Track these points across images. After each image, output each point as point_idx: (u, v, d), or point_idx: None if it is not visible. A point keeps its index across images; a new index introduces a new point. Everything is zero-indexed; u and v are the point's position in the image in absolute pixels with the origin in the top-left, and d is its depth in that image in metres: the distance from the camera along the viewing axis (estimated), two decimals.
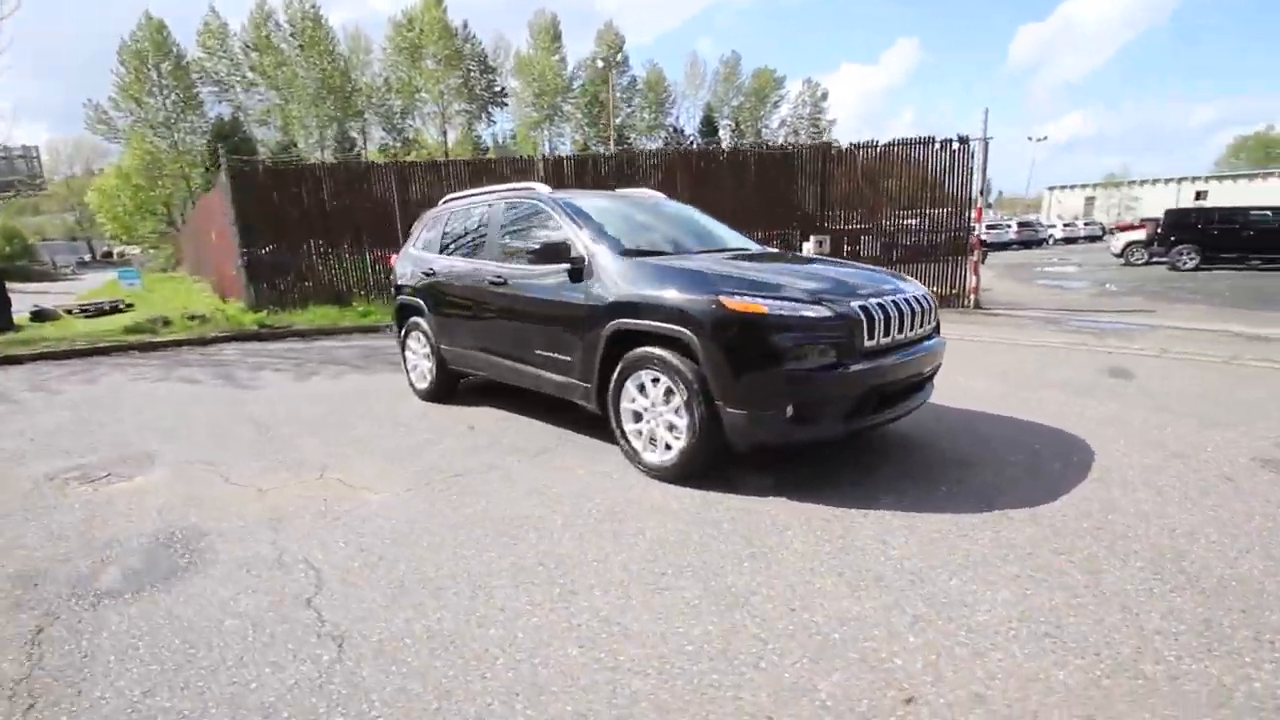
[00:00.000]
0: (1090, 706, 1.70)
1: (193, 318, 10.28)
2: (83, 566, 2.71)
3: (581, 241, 3.73)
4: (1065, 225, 42.96)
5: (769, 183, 11.74)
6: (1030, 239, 35.85)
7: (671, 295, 3.20)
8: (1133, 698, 1.72)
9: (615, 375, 3.48)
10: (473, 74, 53.09)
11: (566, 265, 3.72)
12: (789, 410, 2.93)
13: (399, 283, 5.52)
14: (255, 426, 4.77)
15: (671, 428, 3.28)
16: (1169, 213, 18.74)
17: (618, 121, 61.44)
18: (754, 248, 4.45)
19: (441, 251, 5.03)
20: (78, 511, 3.29)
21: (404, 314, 5.49)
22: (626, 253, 3.66)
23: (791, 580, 2.36)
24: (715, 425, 3.08)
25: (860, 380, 2.98)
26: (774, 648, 1.97)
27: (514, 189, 4.60)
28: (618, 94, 60.70)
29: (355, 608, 2.30)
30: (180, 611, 2.33)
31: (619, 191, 4.87)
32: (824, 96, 69.86)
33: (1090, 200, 62.60)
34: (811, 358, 2.92)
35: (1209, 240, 17.28)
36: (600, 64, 35.18)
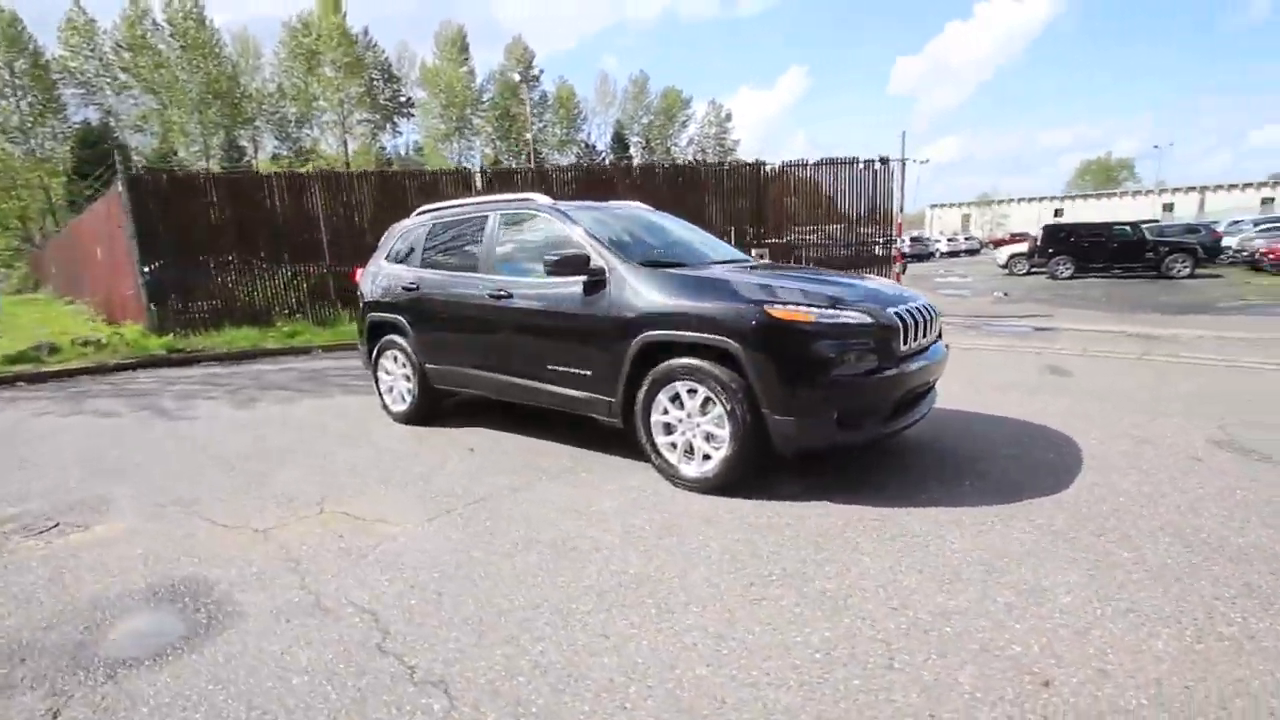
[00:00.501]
0: (1199, 669, 1.85)
1: (86, 343, 9.13)
2: (74, 633, 2.32)
3: (599, 253, 3.66)
4: (949, 240, 46.98)
5: (709, 197, 12.06)
6: (921, 253, 38.89)
7: (712, 306, 3.20)
8: (1228, 657, 1.90)
9: (644, 388, 3.43)
10: (376, 83, 51.01)
11: (583, 278, 3.64)
12: (835, 415, 3.01)
13: (369, 299, 5.18)
14: (217, 460, 4.29)
15: (710, 438, 3.27)
16: (1046, 228, 20.95)
17: (528, 136, 61.07)
18: (750, 259, 4.55)
19: (424, 265, 4.77)
20: (37, 570, 2.82)
21: (376, 332, 5.14)
22: (646, 264, 3.64)
23: (878, 580, 2.41)
24: (759, 433, 3.11)
25: (899, 384, 3.12)
26: (898, 647, 2.01)
27: (509, 200, 4.44)
28: (528, 109, 60.38)
29: (440, 649, 2.11)
30: (228, 675, 2.04)
31: (609, 204, 4.83)
32: (728, 118, 72.76)
33: (966, 217, 68.75)
34: (856, 363, 3.02)
35: (1080, 252, 19.47)
36: (516, 77, 34.60)
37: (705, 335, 3.17)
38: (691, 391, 3.28)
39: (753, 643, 2.06)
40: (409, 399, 4.93)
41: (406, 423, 4.97)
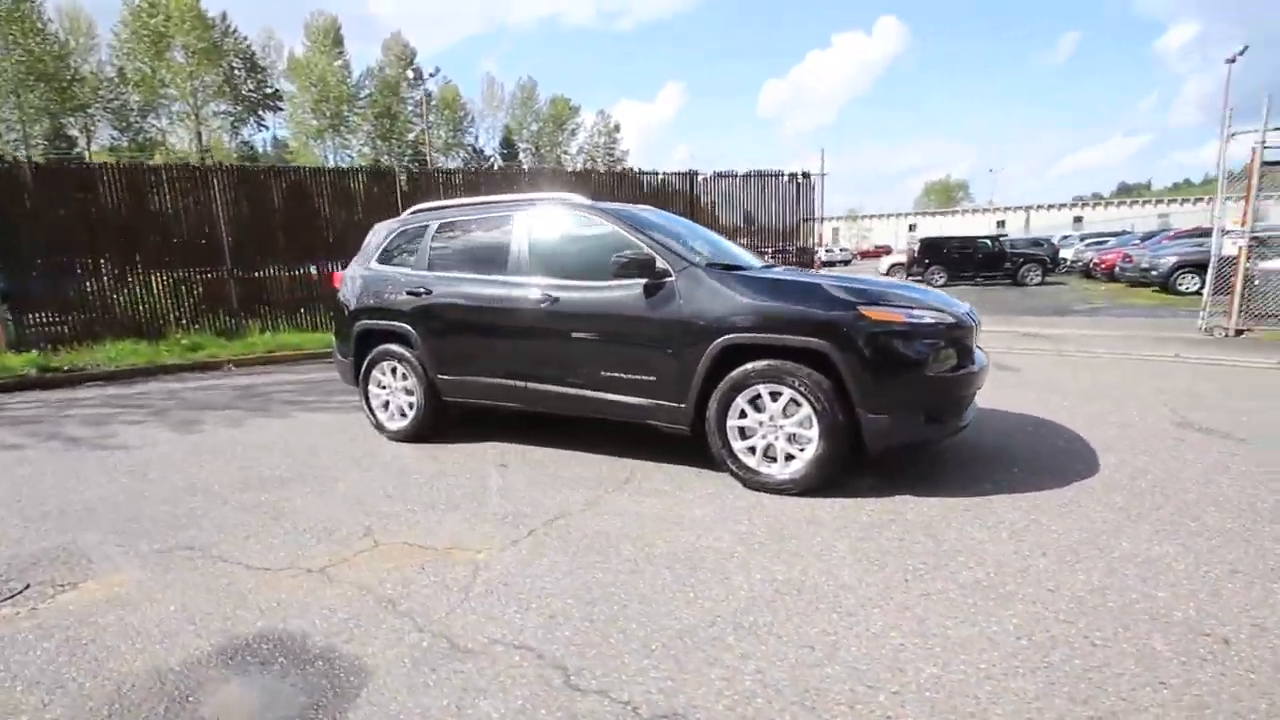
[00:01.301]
0: None
1: None
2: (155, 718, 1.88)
3: (661, 255, 3.55)
4: (826, 251, 50.77)
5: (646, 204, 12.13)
6: (806, 263, 41.70)
7: (802, 308, 3.21)
8: None
9: (720, 392, 3.37)
10: (237, 72, 46.27)
11: (645, 280, 3.52)
12: (924, 413, 3.14)
13: (356, 306, 4.66)
14: (204, 494, 3.66)
15: (794, 439, 3.28)
16: (923, 241, 23.24)
17: (410, 137, 58.31)
18: (770, 262, 4.63)
19: (432, 268, 4.37)
20: (40, 644, 2.25)
21: (366, 342, 4.63)
22: (711, 266, 3.59)
23: (1015, 565, 2.53)
24: (848, 433, 3.16)
25: (974, 381, 3.31)
26: (1085, 625, 2.11)
27: (538, 199, 4.18)
28: (410, 109, 57.65)
29: (643, 680, 1.93)
30: None
31: (635, 206, 4.67)
32: (617, 129, 73.85)
33: (835, 230, 74.56)
34: (943, 361, 3.16)
35: (952, 262, 21.79)
36: (411, 75, 32.39)
37: (797, 337, 3.18)
38: (774, 394, 3.27)
39: (957, 637, 2.08)
40: (411, 414, 4.49)
41: (406, 441, 4.53)
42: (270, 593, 2.55)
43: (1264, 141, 9.27)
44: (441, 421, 4.53)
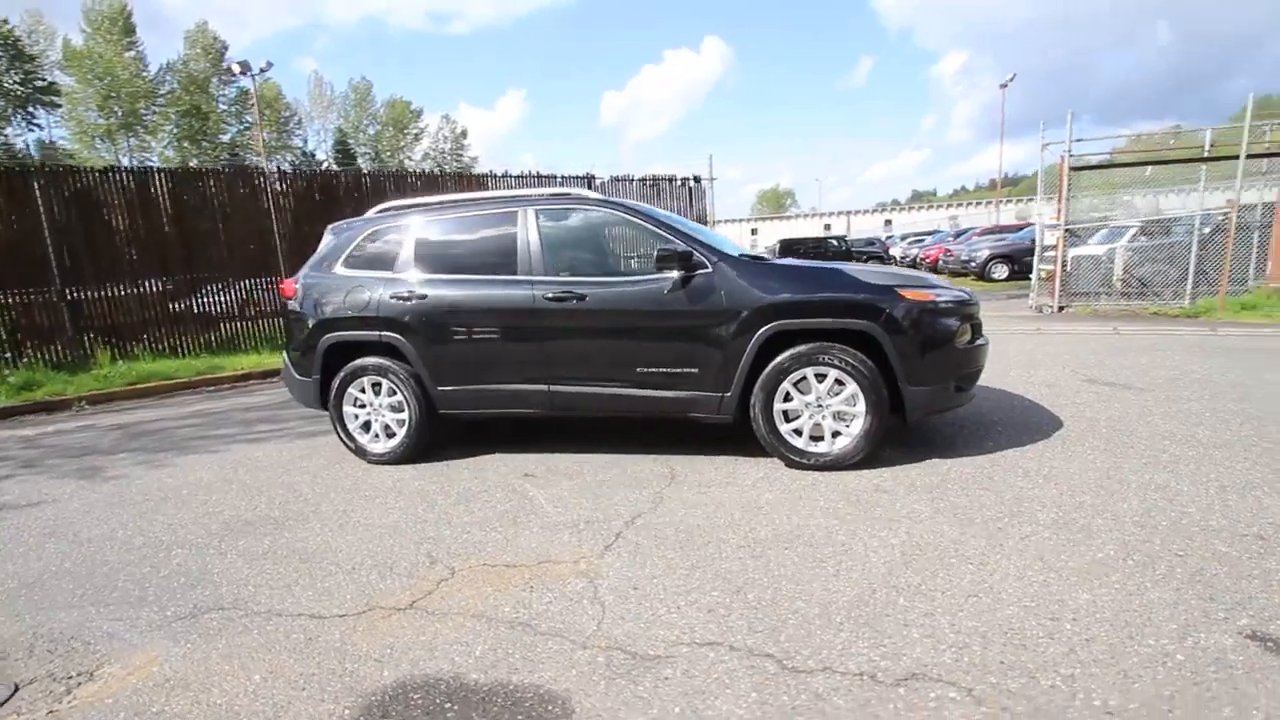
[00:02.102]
0: None
1: None
2: None
3: (695, 248, 3.57)
4: None
5: None
6: None
7: (847, 294, 3.40)
8: None
9: (765, 378, 3.47)
10: None
11: (679, 274, 3.52)
12: (954, 382, 3.47)
13: (322, 317, 4.11)
14: (178, 547, 3.05)
15: (840, 416, 3.46)
16: (782, 241, 25.23)
17: (225, 138, 52.03)
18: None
19: (420, 271, 3.98)
20: None
21: (339, 357, 4.10)
22: (741, 258, 3.66)
23: (1069, 504, 2.89)
24: (888, 405, 3.40)
25: (986, 353, 3.70)
26: (1165, 540, 2.49)
27: (545, 194, 3.97)
28: (223, 107, 51.44)
29: (854, 650, 1.95)
30: None
31: (639, 203, 4.58)
32: (464, 134, 71.45)
33: None
34: (967, 335, 3.51)
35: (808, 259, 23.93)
36: (236, 69, 28.30)
37: (845, 320, 3.36)
38: (820, 376, 3.44)
39: (1079, 567, 2.35)
40: (401, 434, 4.06)
41: (394, 463, 4.08)
42: (371, 640, 2.21)
43: (1070, 150, 11.29)
44: (432, 438, 4.15)
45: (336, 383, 4.11)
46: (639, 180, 12.74)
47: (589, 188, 12.32)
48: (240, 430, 5.43)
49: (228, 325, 9.42)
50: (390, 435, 4.12)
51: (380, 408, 4.10)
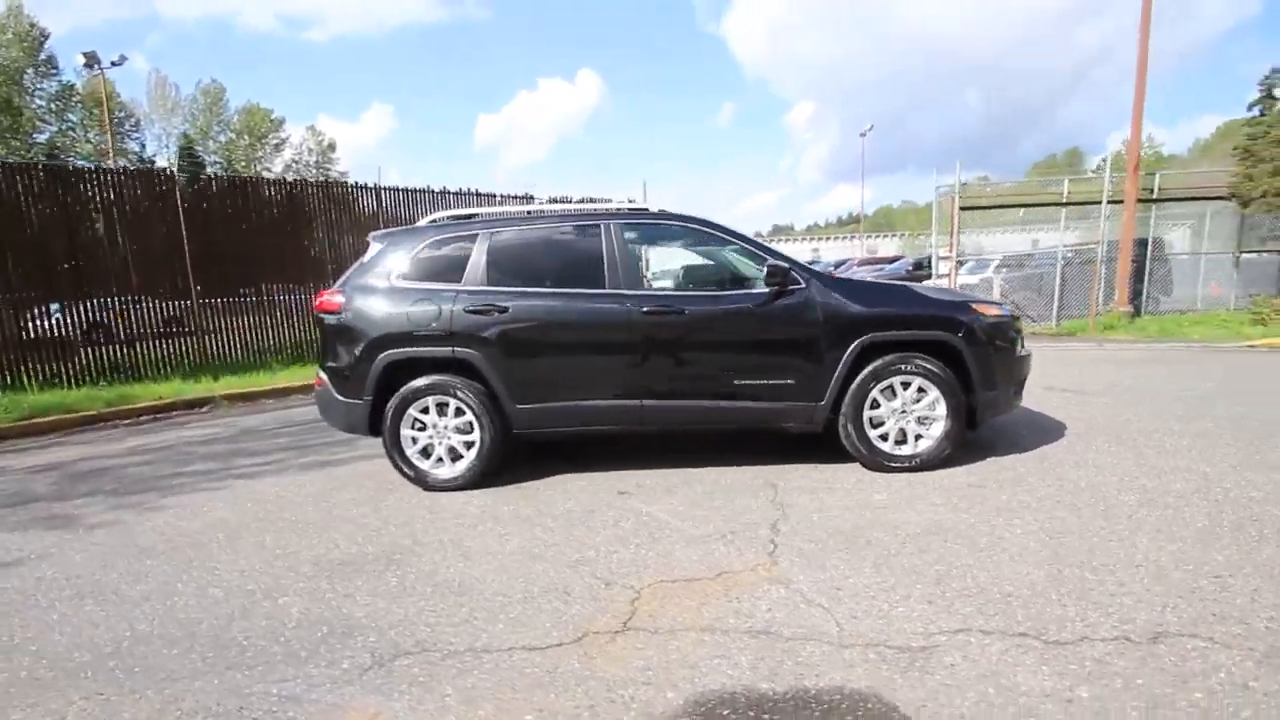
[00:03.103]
0: None
1: None
2: None
3: (791, 265, 3.73)
4: None
5: None
6: None
7: (933, 310, 3.73)
8: None
9: (855, 387, 3.68)
10: None
11: (775, 289, 3.66)
12: (1015, 387, 3.89)
13: (381, 333, 3.75)
14: (273, 597, 2.65)
15: (922, 421, 3.75)
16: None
17: (43, 138, 45.00)
18: None
19: (495, 284, 3.77)
20: None
21: (399, 377, 3.75)
22: (827, 275, 3.87)
23: (1109, 488, 3.35)
24: (965, 410, 3.74)
25: (1031, 361, 4.17)
26: (1200, 508, 2.98)
27: (627, 210, 3.94)
28: (39, 104, 44.56)
29: (1177, 606, 2.16)
30: None
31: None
32: (332, 147, 67.06)
33: None
34: (1022, 345, 3.96)
35: None
36: (80, 59, 23.67)
37: (931, 332, 3.67)
38: (905, 384, 3.71)
39: (1158, 534, 2.75)
40: (471, 456, 3.78)
41: (460, 489, 3.79)
42: (615, 665, 2.08)
43: (958, 191, 12.94)
44: (502, 460, 3.91)
45: (394, 404, 3.76)
46: (576, 203, 12.77)
47: (527, 204, 12.17)
48: (218, 465, 4.73)
49: (131, 349, 8.12)
50: (455, 459, 3.83)
51: (445, 430, 3.80)
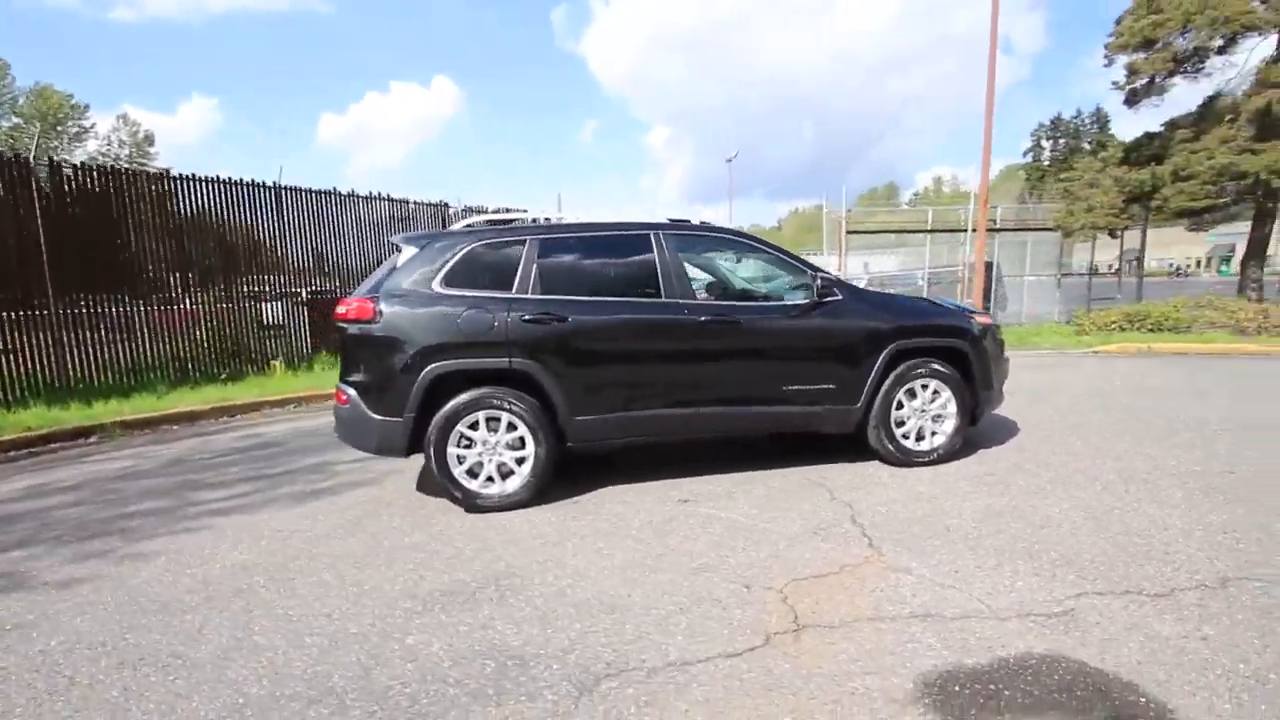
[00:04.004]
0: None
1: None
2: None
3: (830, 278, 3.99)
4: None
5: (393, 234, 10.81)
6: None
7: (945, 319, 4.15)
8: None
9: (885, 389, 4.02)
10: None
11: (818, 300, 3.90)
12: (1000, 385, 4.45)
13: (427, 343, 3.44)
14: (431, 613, 2.37)
15: (937, 418, 4.17)
16: None
17: None
18: None
19: (548, 292, 3.62)
20: None
21: (445, 391, 3.46)
22: (855, 287, 4.18)
23: (1106, 467, 4.00)
24: (970, 407, 4.23)
25: None
26: (1192, 484, 3.67)
27: (672, 221, 3.95)
28: None
29: None
30: None
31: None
32: (149, 140, 58.78)
33: None
34: (1003, 348, 4.53)
35: None
36: None
37: (943, 339, 4.10)
38: (924, 386, 4.11)
39: (1160, 502, 3.36)
40: (525, 473, 3.59)
41: (511, 508, 3.58)
42: (828, 660, 2.14)
43: (845, 215, 14.33)
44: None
45: (440, 420, 3.47)
46: (492, 212, 12.37)
47: (444, 219, 11.58)
48: (172, 503, 4.01)
49: None
50: (504, 477, 3.61)
51: (496, 446, 3.57)
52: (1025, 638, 2.22)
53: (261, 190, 9.18)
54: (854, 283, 4.50)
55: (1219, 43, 11.56)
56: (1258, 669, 2.01)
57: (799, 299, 3.96)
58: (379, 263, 10.79)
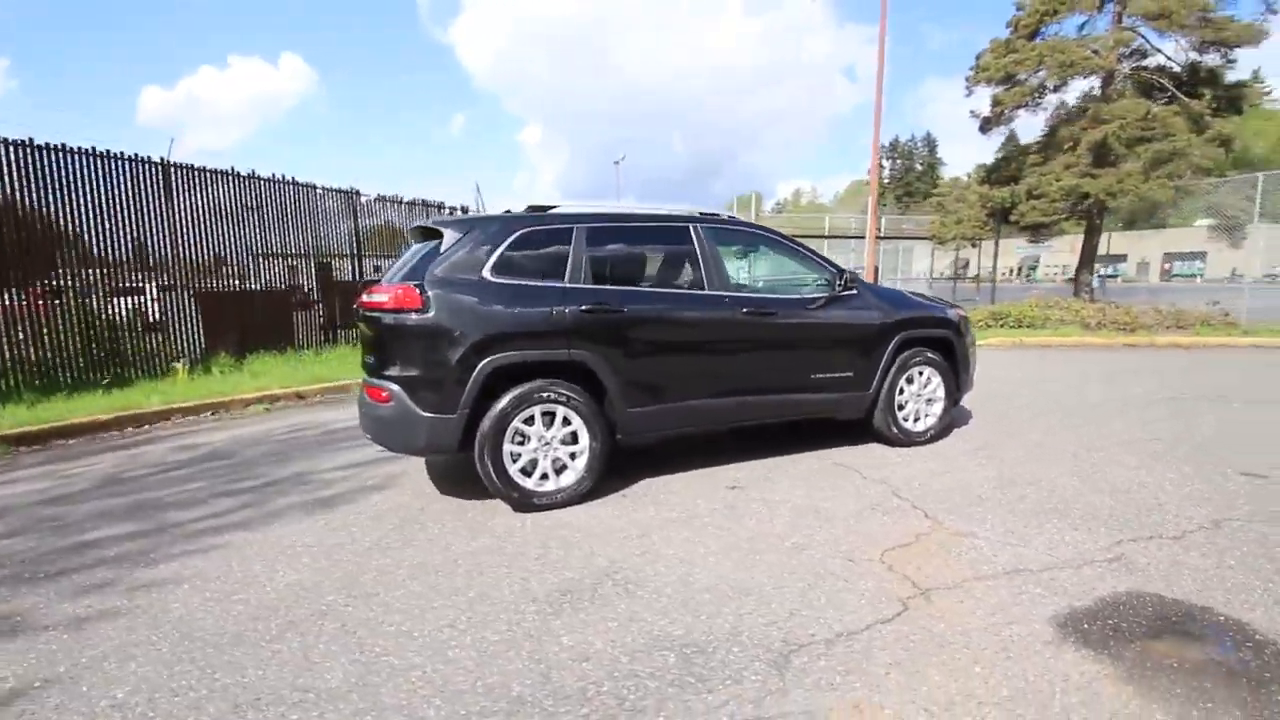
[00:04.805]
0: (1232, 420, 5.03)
1: None
2: None
3: (850, 272, 4.27)
4: None
5: (299, 224, 9.82)
6: None
7: (936, 311, 4.57)
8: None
9: (891, 375, 4.38)
10: None
11: (838, 293, 4.17)
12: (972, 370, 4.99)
13: (484, 334, 3.23)
14: (574, 605, 2.24)
15: (930, 402, 4.60)
16: None
17: None
18: None
19: (597, 282, 3.53)
20: None
21: (502, 384, 3.27)
22: (865, 282, 4.49)
23: (1086, 436, 4.65)
24: (953, 391, 4.71)
25: None
26: (1161, 446, 4.38)
27: (702, 214, 3.98)
28: None
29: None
30: None
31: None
32: None
33: None
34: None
35: None
36: None
37: (936, 330, 4.54)
38: (920, 372, 4.53)
39: (1135, 465, 4.01)
40: (580, 467, 3.48)
41: (565, 504, 3.47)
42: (966, 617, 2.35)
43: (756, 218, 15.08)
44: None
45: (495, 415, 3.28)
46: (406, 203, 11.60)
47: (354, 208, 10.71)
48: (144, 526, 3.41)
49: None
50: (557, 474, 3.49)
51: (551, 441, 3.44)
52: (1105, 580, 2.57)
53: (146, 166, 7.95)
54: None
55: (1055, 82, 13.67)
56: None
57: (820, 292, 4.20)
58: (286, 251, 9.81)
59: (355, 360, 9.47)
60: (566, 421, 3.47)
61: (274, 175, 9.51)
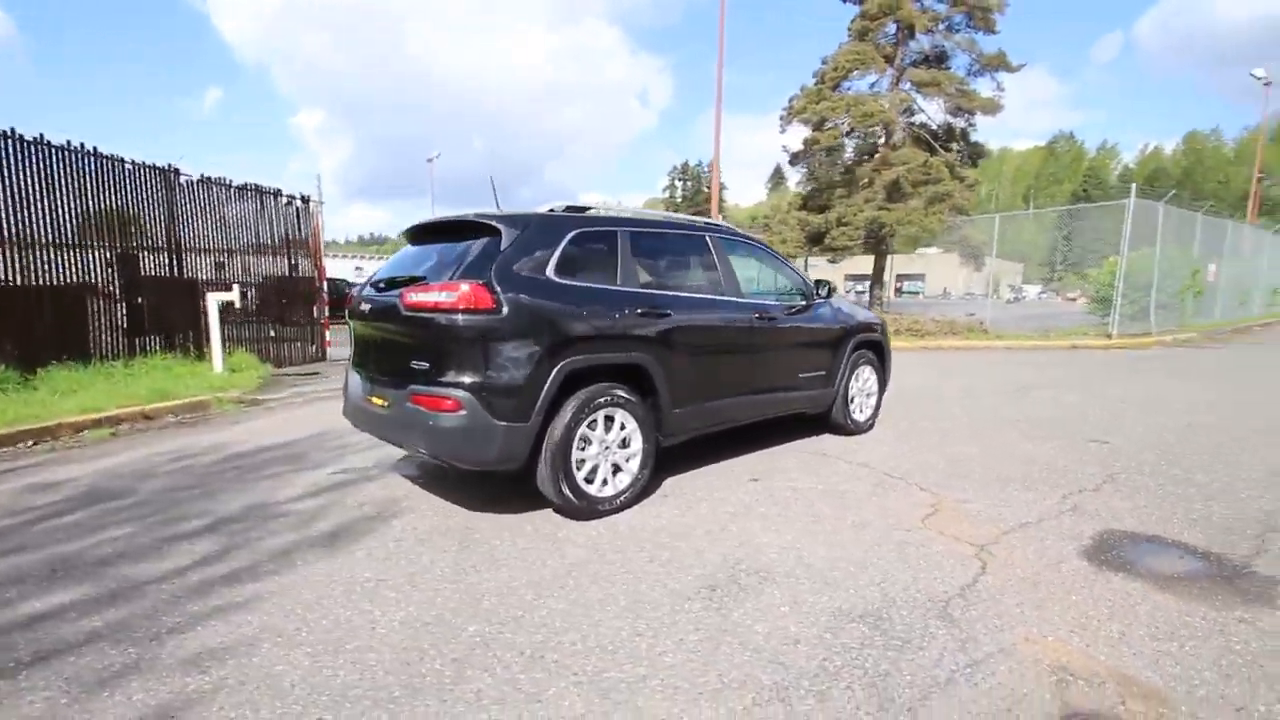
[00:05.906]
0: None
1: None
2: None
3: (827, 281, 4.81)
4: None
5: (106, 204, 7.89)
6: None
7: (869, 316, 5.33)
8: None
9: (845, 373, 5.03)
10: None
11: (816, 300, 4.71)
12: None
13: (562, 335, 3.11)
14: (717, 598, 2.32)
15: (869, 395, 5.35)
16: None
17: None
18: None
19: (642, 286, 3.56)
20: None
21: (573, 389, 3.15)
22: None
23: (1026, 430, 5.74)
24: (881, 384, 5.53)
25: None
26: (1106, 418, 5.58)
27: (706, 224, 4.18)
28: None
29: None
30: None
31: None
32: None
33: None
34: None
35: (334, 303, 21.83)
36: None
37: (874, 334, 5.29)
38: (863, 370, 5.25)
39: (1104, 448, 5.15)
40: (634, 469, 3.49)
41: (622, 509, 3.45)
42: (1033, 564, 2.91)
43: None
44: None
45: (567, 420, 3.16)
46: (238, 188, 9.88)
47: (172, 189, 8.89)
48: (113, 588, 2.68)
49: None
50: (613, 476, 3.45)
51: (610, 445, 3.39)
52: (1081, 525, 3.33)
53: None
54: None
55: (859, 127, 16.36)
56: (1207, 511, 3.48)
57: (799, 300, 4.69)
58: (85, 241, 7.77)
59: (185, 371, 7.98)
60: (622, 425, 3.47)
61: (68, 143, 7.53)
